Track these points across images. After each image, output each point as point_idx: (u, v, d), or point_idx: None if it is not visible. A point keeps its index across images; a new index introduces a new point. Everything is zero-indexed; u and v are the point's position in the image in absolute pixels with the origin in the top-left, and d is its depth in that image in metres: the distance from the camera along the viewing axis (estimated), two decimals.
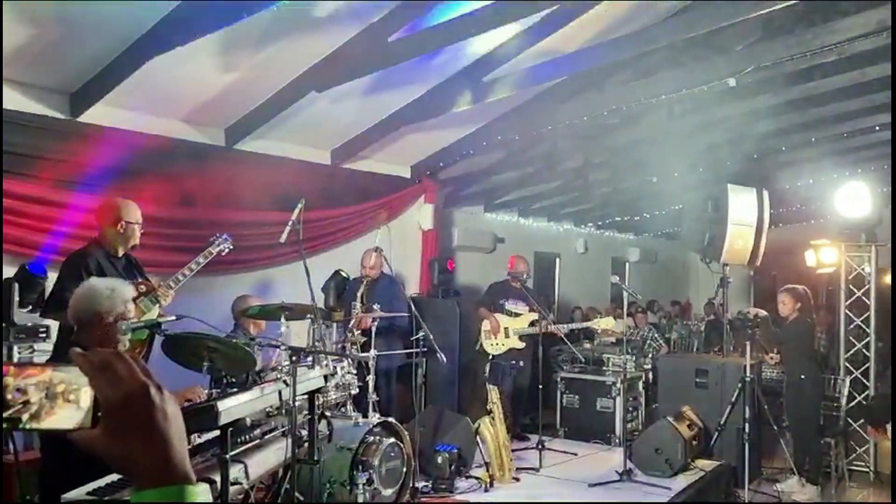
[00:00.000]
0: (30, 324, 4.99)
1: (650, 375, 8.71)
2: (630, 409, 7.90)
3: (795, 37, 6.03)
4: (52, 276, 4.69)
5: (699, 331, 12.63)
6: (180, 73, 5.54)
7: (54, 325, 4.66)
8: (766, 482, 6.93)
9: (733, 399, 6.58)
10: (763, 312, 7.13)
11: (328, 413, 4.75)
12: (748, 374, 6.46)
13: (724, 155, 9.23)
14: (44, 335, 4.96)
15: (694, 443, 6.65)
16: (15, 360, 4.69)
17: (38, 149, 5.22)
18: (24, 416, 0.84)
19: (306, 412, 4.11)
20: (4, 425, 0.84)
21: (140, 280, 4.53)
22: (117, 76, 5.24)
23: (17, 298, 4.96)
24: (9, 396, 0.84)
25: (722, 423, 6.60)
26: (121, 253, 4.52)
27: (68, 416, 0.85)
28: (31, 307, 4.97)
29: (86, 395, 0.85)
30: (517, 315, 7.66)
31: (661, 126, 8.65)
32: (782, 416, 7.32)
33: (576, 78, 7.44)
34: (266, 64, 5.76)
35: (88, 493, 2.79)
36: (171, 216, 5.93)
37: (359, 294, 6.30)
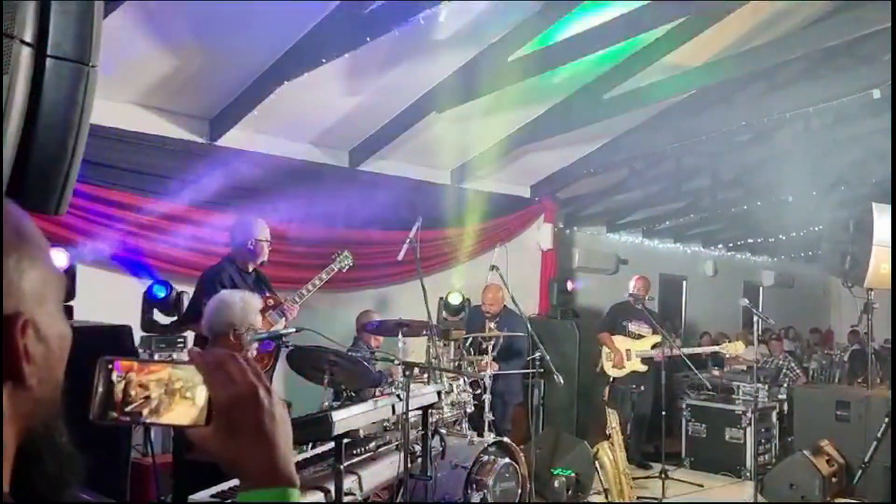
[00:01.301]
0: (170, 334, 5.33)
1: (785, 406, 8.17)
2: (762, 440, 7.43)
3: None
4: (189, 290, 4.98)
5: (841, 361, 11.73)
6: (308, 98, 5.80)
7: (191, 335, 4.96)
8: None
9: (879, 434, 6.05)
10: None
11: (443, 430, 4.76)
12: None
13: (867, 172, 8.60)
14: (181, 345, 5.28)
15: (833, 480, 6.16)
16: None
17: (180, 171, 5.59)
18: (145, 411, 0.87)
19: (420, 428, 4.14)
20: (127, 419, 0.87)
21: (268, 294, 4.74)
22: (251, 102, 5.57)
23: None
24: (132, 392, 0.87)
25: (866, 460, 6.09)
26: (251, 268, 4.76)
27: (185, 412, 0.88)
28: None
29: (202, 393, 0.88)
30: (640, 337, 7.42)
31: (797, 141, 8.19)
32: None
33: (704, 92, 7.19)
34: (388, 87, 5.94)
35: (212, 496, 2.93)
36: (296, 234, 6.19)
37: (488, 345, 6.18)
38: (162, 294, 5.07)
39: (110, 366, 0.88)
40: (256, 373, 0.91)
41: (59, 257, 4.41)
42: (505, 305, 6.50)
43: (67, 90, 1.88)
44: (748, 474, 7.06)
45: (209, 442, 0.88)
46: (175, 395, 0.88)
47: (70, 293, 4.38)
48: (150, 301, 5.08)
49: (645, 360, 7.28)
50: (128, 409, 0.87)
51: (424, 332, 5.11)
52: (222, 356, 0.91)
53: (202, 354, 0.92)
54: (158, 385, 0.88)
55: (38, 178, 1.86)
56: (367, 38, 4.74)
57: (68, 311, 4.31)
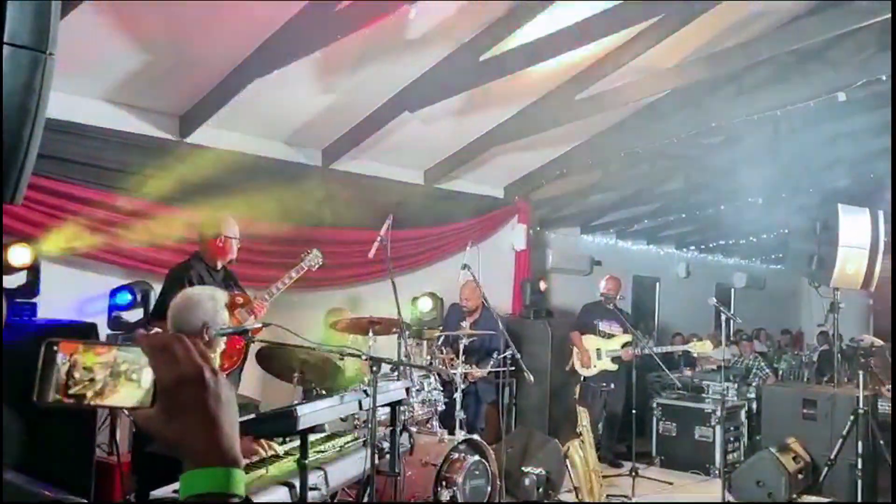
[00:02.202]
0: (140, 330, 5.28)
1: (753, 405, 8.28)
2: (731, 439, 7.53)
3: None
4: (157, 288, 4.93)
5: (811, 361, 11.91)
6: (280, 96, 5.78)
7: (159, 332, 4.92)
8: None
9: (845, 432, 6.15)
10: (879, 341, 6.66)
11: (412, 427, 4.76)
12: (862, 406, 6.03)
13: (834, 175, 8.75)
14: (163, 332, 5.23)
15: (799, 477, 6.25)
16: None
17: (149, 167, 5.54)
18: (89, 394, 0.87)
19: (389, 424, 4.14)
20: (70, 401, 0.87)
21: (237, 292, 4.71)
22: (221, 99, 5.53)
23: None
24: (76, 374, 0.87)
25: (832, 457, 6.18)
26: (219, 266, 4.73)
27: (130, 394, 0.88)
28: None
29: (147, 376, 0.88)
30: (611, 336, 7.48)
31: (766, 144, 8.30)
32: None
33: (675, 94, 7.26)
34: (361, 86, 5.93)
35: (175, 491, 2.90)
36: (266, 233, 6.15)
37: (466, 325, 6.26)
38: (126, 301, 5.02)
39: (55, 348, 0.88)
40: (202, 354, 0.91)
41: (24, 253, 4.36)
42: (483, 302, 6.53)
43: (24, 78, 1.86)
44: (717, 472, 7.14)
45: (153, 422, 0.88)
46: (120, 378, 0.88)
47: (34, 289, 4.34)
48: (114, 307, 5.03)
49: (615, 360, 7.35)
50: (72, 391, 0.87)
51: (395, 331, 5.11)
52: (168, 338, 0.91)
53: (148, 337, 0.92)
54: (104, 367, 0.88)
55: None
56: (338, 36, 4.73)
57: (31, 309, 4.26)
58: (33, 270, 4.36)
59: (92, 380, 0.87)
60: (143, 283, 5.16)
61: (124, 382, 0.88)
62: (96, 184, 5.34)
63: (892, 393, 6.12)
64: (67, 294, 4.95)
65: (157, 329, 4.77)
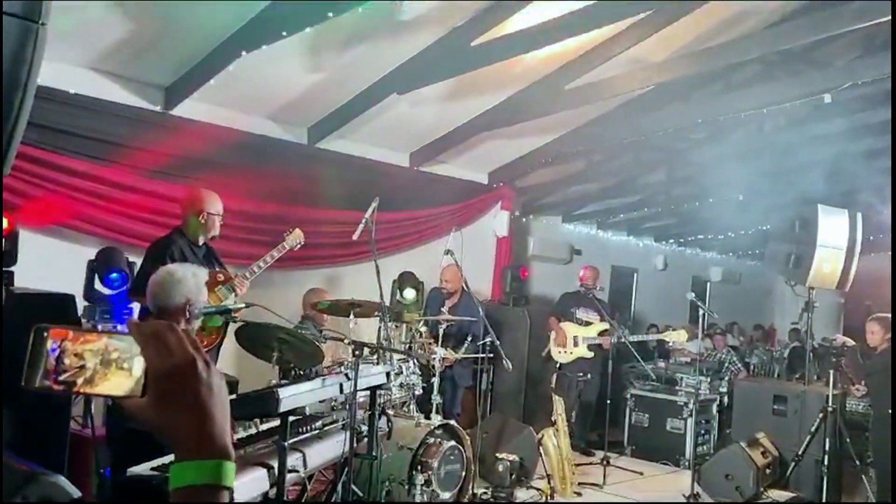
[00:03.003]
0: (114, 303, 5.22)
1: (725, 399, 8.41)
2: (702, 431, 7.64)
3: None
4: (137, 261, 4.88)
5: (782, 357, 12.10)
6: (268, 72, 5.71)
7: (137, 306, 4.87)
8: None
9: (813, 429, 6.27)
10: (850, 341, 6.78)
11: (390, 411, 4.77)
12: (831, 405, 6.14)
13: (816, 175, 8.83)
14: (127, 315, 5.18)
15: (767, 471, 6.37)
16: None
17: (132, 139, 5.46)
18: (79, 381, 0.86)
19: (368, 408, 4.15)
20: (60, 388, 0.86)
21: (218, 269, 4.68)
22: (208, 72, 5.45)
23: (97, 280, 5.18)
24: (66, 361, 0.86)
25: (800, 453, 6.30)
26: (201, 242, 4.68)
27: (120, 383, 0.87)
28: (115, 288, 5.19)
29: (139, 365, 0.87)
30: (588, 324, 7.54)
31: (750, 142, 8.37)
32: (867, 451, 6.91)
33: (662, 89, 7.28)
34: (350, 66, 5.87)
35: (153, 469, 2.89)
36: (250, 210, 6.11)
37: (444, 309, 6.28)
38: (117, 284, 4.95)
39: (45, 333, 0.87)
40: (194, 344, 0.90)
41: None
42: (463, 287, 6.56)
43: (15, 47, 1.81)
44: (687, 464, 7.25)
45: (144, 412, 0.87)
46: (111, 366, 0.87)
47: (12, 258, 4.26)
48: (104, 285, 4.95)
49: (591, 347, 7.41)
50: (61, 377, 0.86)
51: (376, 314, 5.10)
52: (160, 327, 0.90)
53: (139, 325, 0.91)
54: (94, 355, 0.87)
55: None
56: (330, 14, 4.67)
57: (9, 277, 4.19)
58: (11, 238, 4.29)
59: (82, 367, 0.87)
60: (121, 257, 5.09)
61: (115, 371, 0.87)
62: (78, 153, 5.26)
63: (892, 393, 6.17)
64: (44, 264, 4.86)
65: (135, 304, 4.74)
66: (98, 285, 4.99)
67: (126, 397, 0.87)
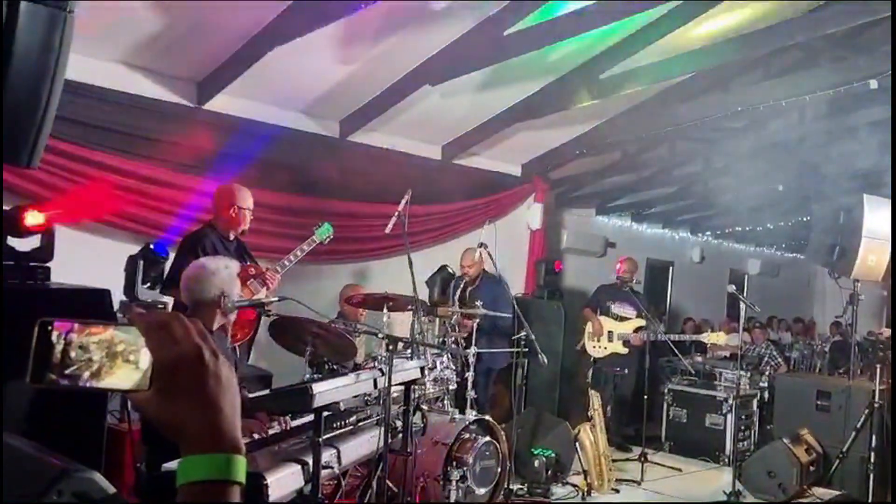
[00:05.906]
0: (150, 300, 5.23)
1: (765, 394, 8.22)
2: (742, 427, 7.47)
3: None
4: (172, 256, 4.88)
5: (823, 351, 11.82)
6: (300, 65, 5.68)
7: (171, 301, 4.87)
8: None
9: (859, 425, 6.09)
10: None
11: (424, 406, 4.72)
12: (877, 400, 5.95)
13: (861, 164, 8.57)
14: (162, 310, 5.19)
15: (811, 468, 6.20)
16: None
17: (165, 133, 5.47)
18: (85, 374, 0.83)
19: (402, 403, 4.10)
20: (66, 383, 0.83)
21: (249, 263, 4.66)
22: (240, 67, 5.44)
23: (140, 276, 5.21)
24: (72, 354, 0.83)
25: (844, 450, 6.13)
26: (232, 236, 4.67)
27: (127, 376, 0.84)
28: (150, 285, 5.20)
29: (145, 357, 0.84)
30: (623, 319, 7.40)
31: (791, 131, 8.14)
32: None
33: (699, 77, 7.12)
34: (381, 57, 5.81)
35: None
36: (281, 203, 6.09)
37: (456, 296, 6.25)
38: (163, 253, 4.94)
39: (49, 327, 0.84)
40: (202, 333, 0.86)
41: (37, 217, 4.29)
42: (484, 270, 6.45)
43: (42, 35, 1.78)
44: (727, 460, 7.10)
45: (150, 404, 0.84)
46: (117, 358, 0.84)
47: (48, 254, 4.28)
48: (154, 254, 4.94)
49: (626, 343, 7.27)
50: (67, 371, 0.83)
51: (409, 308, 5.05)
52: (165, 316, 0.86)
53: (144, 315, 0.87)
54: (100, 347, 0.84)
55: (10, 128, 1.76)
56: (362, 5, 4.62)
57: (45, 273, 4.21)
58: (48, 233, 4.30)
59: (89, 360, 0.84)
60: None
61: (121, 364, 0.84)
62: (111, 148, 5.28)
63: (891, 385, 6.02)
64: (82, 260, 4.88)
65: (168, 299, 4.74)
66: (140, 286, 4.99)
67: (132, 391, 0.84)
